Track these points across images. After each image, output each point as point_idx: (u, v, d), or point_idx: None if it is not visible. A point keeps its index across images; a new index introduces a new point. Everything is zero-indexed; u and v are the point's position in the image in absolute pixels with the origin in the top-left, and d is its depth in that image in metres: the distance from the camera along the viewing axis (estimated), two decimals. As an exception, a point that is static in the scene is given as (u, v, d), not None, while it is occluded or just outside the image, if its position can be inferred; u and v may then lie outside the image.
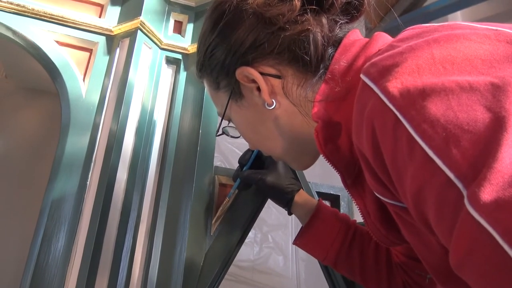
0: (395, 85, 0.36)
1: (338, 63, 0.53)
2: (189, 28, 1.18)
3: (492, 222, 0.28)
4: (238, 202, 0.99)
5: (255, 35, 0.55)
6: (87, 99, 0.99)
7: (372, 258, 0.82)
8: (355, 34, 0.57)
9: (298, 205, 0.87)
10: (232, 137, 0.72)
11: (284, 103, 0.57)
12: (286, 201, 0.87)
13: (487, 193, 0.29)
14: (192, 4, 1.20)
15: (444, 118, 0.33)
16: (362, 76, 0.41)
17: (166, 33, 1.14)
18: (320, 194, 1.09)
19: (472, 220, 0.29)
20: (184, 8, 1.19)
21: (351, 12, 0.57)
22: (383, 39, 0.54)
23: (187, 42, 1.15)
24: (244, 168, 0.90)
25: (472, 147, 0.31)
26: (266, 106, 0.57)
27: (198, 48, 0.64)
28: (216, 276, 0.91)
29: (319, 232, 0.85)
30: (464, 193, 0.31)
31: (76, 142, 0.94)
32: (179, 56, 1.14)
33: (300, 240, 0.87)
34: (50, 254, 0.84)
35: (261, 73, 0.56)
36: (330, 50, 0.55)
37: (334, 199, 1.12)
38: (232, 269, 1.73)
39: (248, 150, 0.92)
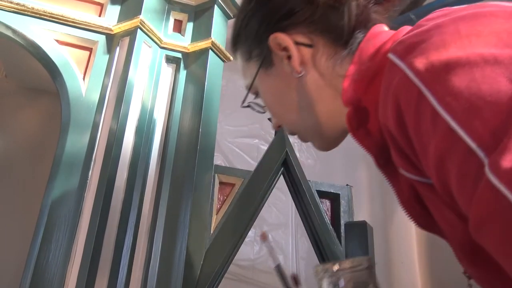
0: (420, 60, 0.37)
1: (366, 46, 0.54)
2: (189, 27, 1.18)
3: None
4: (238, 202, 0.99)
5: (291, 3, 0.56)
6: (87, 98, 0.99)
7: None
8: (382, 26, 0.58)
9: None
10: (258, 111, 0.71)
11: (312, 73, 0.58)
12: None
13: (508, 161, 0.30)
14: (192, 3, 1.20)
15: (467, 91, 0.34)
16: (389, 54, 0.42)
17: (166, 32, 1.14)
18: (320, 192, 1.09)
19: (492, 187, 0.30)
20: (184, 7, 1.19)
21: None
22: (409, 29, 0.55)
23: (187, 41, 1.15)
24: None
25: (494, 117, 0.32)
26: (295, 74, 0.58)
27: (236, 20, 0.65)
28: (216, 275, 0.91)
29: None
30: (485, 162, 0.32)
31: (76, 141, 0.94)
32: (179, 55, 1.14)
33: None
34: (50, 253, 0.84)
35: (294, 42, 0.57)
36: (360, 35, 0.56)
37: (334, 198, 1.12)
38: (232, 268, 1.73)
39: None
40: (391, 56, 0.42)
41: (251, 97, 0.70)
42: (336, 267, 0.56)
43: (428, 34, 0.39)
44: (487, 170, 0.31)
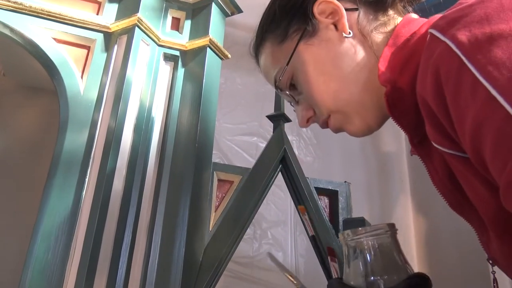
0: (463, 32, 0.39)
1: (402, 30, 0.56)
2: (187, 24, 1.18)
3: None
4: (237, 199, 0.99)
5: None
6: (85, 96, 0.99)
7: None
8: (413, 15, 0.61)
9: None
10: (286, 98, 0.70)
11: (358, 36, 0.60)
12: None
13: None
14: (190, 0, 1.20)
15: (510, 61, 0.35)
16: (430, 30, 0.44)
17: (163, 30, 1.14)
18: (318, 189, 1.09)
19: None
20: (182, 5, 1.19)
21: None
22: None
23: (184, 39, 1.15)
24: None
25: None
26: (344, 35, 0.60)
27: (267, 6, 0.67)
28: (215, 272, 0.91)
29: None
30: None
31: (75, 139, 0.94)
32: (177, 53, 1.14)
33: None
34: (49, 250, 0.84)
35: (341, 6, 0.60)
36: (401, 5, 0.61)
37: (333, 195, 1.12)
38: (231, 265, 1.73)
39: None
40: (432, 31, 0.43)
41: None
42: (359, 231, 0.57)
43: (470, 9, 0.40)
44: None
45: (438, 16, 0.54)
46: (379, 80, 0.54)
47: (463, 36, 0.39)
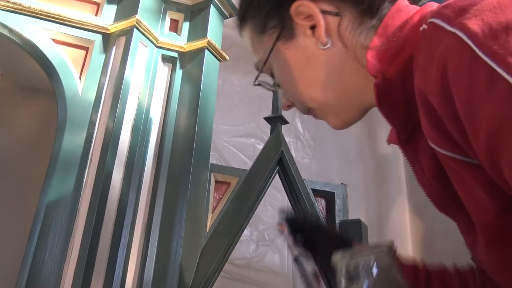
0: (475, 22, 0.35)
1: (392, 19, 0.52)
2: (185, 26, 1.18)
3: None
4: (234, 200, 1.00)
5: None
6: (83, 97, 1.00)
7: None
8: (405, 1, 0.56)
9: None
10: (268, 89, 0.67)
11: (337, 44, 0.54)
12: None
13: None
14: (188, 2, 1.20)
15: None
16: (431, 19, 0.40)
17: (162, 32, 1.15)
18: (315, 191, 1.10)
19: None
20: (180, 7, 1.20)
21: None
22: (435, 4, 0.52)
23: (183, 41, 1.16)
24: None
25: None
26: (320, 46, 0.54)
27: None
28: (212, 273, 0.91)
29: None
30: None
31: (73, 140, 0.94)
32: (175, 54, 1.14)
33: None
34: (47, 250, 0.84)
35: (320, 10, 0.53)
36: (388, 4, 0.53)
37: (329, 196, 1.13)
38: (228, 266, 1.73)
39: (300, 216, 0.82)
40: (435, 20, 0.39)
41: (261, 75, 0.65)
42: (357, 250, 0.55)
43: None
44: None
45: (432, 3, 0.51)
46: (368, 69, 0.51)
47: (474, 25, 0.35)
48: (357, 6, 0.53)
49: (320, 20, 0.53)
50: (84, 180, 0.91)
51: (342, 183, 1.17)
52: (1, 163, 1.51)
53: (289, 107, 0.65)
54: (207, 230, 0.96)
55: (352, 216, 1.11)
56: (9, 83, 1.65)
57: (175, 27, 1.19)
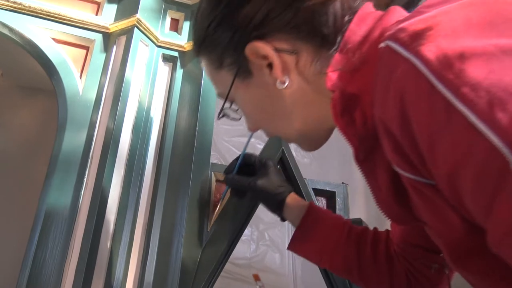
0: (429, 48, 0.34)
1: (353, 34, 0.50)
2: (186, 25, 1.18)
3: None
4: (234, 199, 1.00)
5: (267, 8, 0.50)
6: (84, 96, 0.99)
7: (370, 254, 0.79)
8: (369, 7, 0.54)
9: (290, 208, 0.84)
10: (233, 119, 0.66)
11: (297, 80, 0.53)
12: (276, 204, 0.84)
13: None
14: (189, 2, 1.20)
15: (486, 81, 0.30)
16: (388, 42, 0.38)
17: (162, 31, 1.15)
18: (316, 190, 1.10)
19: None
20: (181, 6, 1.20)
21: None
22: (399, 12, 0.51)
23: (183, 40, 1.16)
24: (233, 173, 0.88)
25: None
26: (278, 84, 0.53)
27: (198, 22, 0.58)
28: (213, 273, 0.91)
29: (312, 234, 0.81)
30: (510, 160, 0.28)
31: (73, 140, 0.94)
32: (176, 54, 1.14)
33: (294, 244, 0.84)
34: (47, 251, 0.84)
35: (274, 49, 0.51)
36: (346, 18, 0.51)
37: (330, 196, 1.13)
38: (228, 266, 1.73)
39: (235, 159, 0.90)
40: (391, 44, 0.37)
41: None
42: None
43: (435, 20, 0.35)
44: None
45: (395, 9, 0.50)
46: (327, 86, 0.49)
47: (429, 53, 0.33)
48: (312, 41, 0.52)
49: (276, 60, 0.52)
50: (85, 179, 0.91)
51: (343, 183, 1.16)
52: (1, 163, 1.51)
53: (255, 130, 0.66)
54: (208, 230, 0.96)
55: (353, 215, 1.11)
56: (9, 83, 1.65)
57: (175, 26, 1.19)
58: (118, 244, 0.88)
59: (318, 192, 1.11)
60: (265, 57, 0.52)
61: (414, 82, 0.34)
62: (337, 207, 1.10)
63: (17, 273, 0.83)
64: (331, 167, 2.23)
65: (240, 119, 0.66)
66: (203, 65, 0.62)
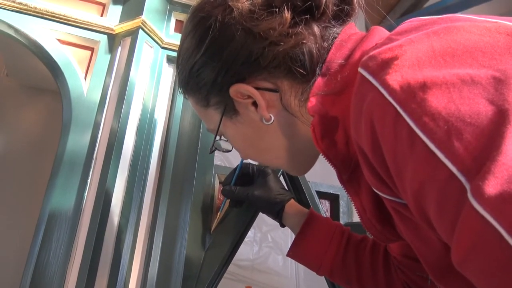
0: (394, 78, 0.35)
1: (334, 58, 0.52)
2: (190, 27, 1.18)
3: (497, 216, 0.27)
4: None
5: (247, 52, 0.52)
6: (88, 97, 1.00)
7: (368, 263, 0.80)
8: (351, 29, 0.55)
9: (289, 215, 0.85)
10: (224, 151, 0.69)
11: (282, 115, 0.56)
12: (276, 212, 0.86)
13: (492, 187, 0.28)
14: (193, 3, 1.20)
15: (445, 111, 0.32)
16: (360, 69, 0.40)
17: (167, 32, 1.15)
18: (319, 193, 1.09)
19: (476, 214, 0.28)
20: (186, 7, 1.20)
21: (342, 18, 0.56)
22: (380, 33, 0.52)
23: (188, 41, 1.16)
24: (231, 184, 0.89)
25: (475, 140, 0.30)
26: (264, 121, 0.56)
27: (181, 65, 0.61)
28: (216, 275, 0.91)
29: (311, 241, 0.83)
30: (467, 187, 0.30)
31: (77, 140, 0.94)
32: (180, 55, 1.14)
33: (293, 251, 0.85)
34: (51, 251, 0.84)
35: (257, 88, 0.54)
36: (325, 44, 0.53)
37: (334, 198, 1.12)
38: (231, 268, 1.73)
39: (232, 170, 0.92)
40: (362, 71, 0.39)
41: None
42: None
43: (401, 50, 0.37)
44: (469, 196, 0.29)
45: (372, 39, 0.51)
46: (308, 110, 0.51)
47: (394, 82, 0.35)
48: (292, 79, 0.54)
49: (260, 99, 0.54)
50: (89, 180, 0.91)
51: (346, 185, 1.16)
52: (5, 163, 1.52)
53: (246, 159, 0.69)
54: (211, 231, 0.96)
55: (356, 218, 1.11)
56: (14, 83, 1.66)
57: (180, 28, 1.19)
58: (122, 245, 0.88)
59: (322, 195, 1.11)
60: (249, 96, 0.55)
61: (381, 109, 0.36)
62: (340, 210, 1.09)
63: (21, 274, 0.83)
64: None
65: (231, 150, 0.68)
66: (191, 103, 0.64)
